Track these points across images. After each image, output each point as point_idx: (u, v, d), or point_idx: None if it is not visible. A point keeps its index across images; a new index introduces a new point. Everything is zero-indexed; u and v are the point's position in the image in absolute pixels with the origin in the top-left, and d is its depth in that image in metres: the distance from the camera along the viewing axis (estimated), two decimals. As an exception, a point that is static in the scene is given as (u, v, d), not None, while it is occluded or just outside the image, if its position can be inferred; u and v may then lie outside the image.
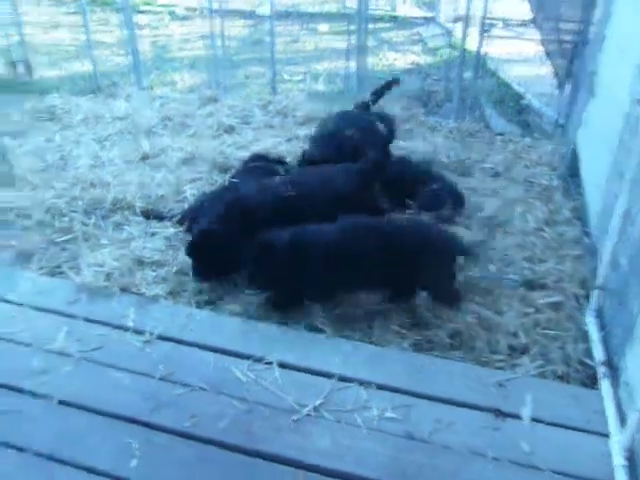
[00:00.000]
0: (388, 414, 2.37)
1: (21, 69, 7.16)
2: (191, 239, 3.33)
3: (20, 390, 2.47)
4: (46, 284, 3.22)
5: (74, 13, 11.28)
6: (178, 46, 9.44)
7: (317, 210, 3.18)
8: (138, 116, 5.61)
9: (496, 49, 5.86)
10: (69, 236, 3.67)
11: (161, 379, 2.56)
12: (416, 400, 2.45)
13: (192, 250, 3.25)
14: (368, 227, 3.01)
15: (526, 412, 2.38)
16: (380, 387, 2.50)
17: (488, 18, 5.33)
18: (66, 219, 3.82)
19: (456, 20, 8.60)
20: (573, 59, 4.91)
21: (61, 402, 2.42)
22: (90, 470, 2.13)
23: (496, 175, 4.53)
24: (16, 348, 2.71)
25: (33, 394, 2.44)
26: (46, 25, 10.69)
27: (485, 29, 5.19)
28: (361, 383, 2.51)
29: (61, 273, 3.37)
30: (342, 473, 2.15)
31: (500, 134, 5.31)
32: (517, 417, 2.38)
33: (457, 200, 3.93)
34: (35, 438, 2.24)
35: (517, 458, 2.22)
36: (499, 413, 2.40)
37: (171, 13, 12.10)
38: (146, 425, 2.34)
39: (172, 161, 4.63)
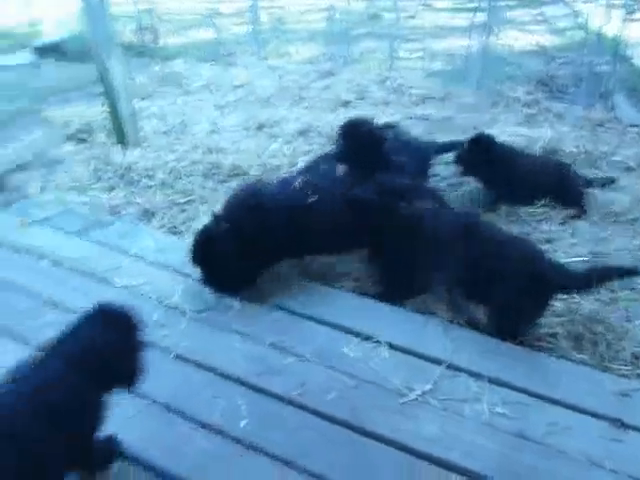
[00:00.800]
0: (499, 409, 2.27)
1: (148, 35, 7.50)
2: (194, 240, 2.91)
3: (142, 341, 2.59)
4: (166, 242, 3.37)
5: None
6: (294, 18, 9.51)
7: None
8: (256, 85, 5.72)
9: (630, 32, 5.40)
10: (188, 198, 3.82)
11: (271, 345, 2.60)
12: (530, 399, 2.33)
13: (195, 256, 2.90)
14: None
15: (652, 427, 2.22)
16: (492, 381, 2.39)
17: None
18: (186, 181, 3.97)
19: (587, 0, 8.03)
20: None
21: (177, 356, 2.53)
22: (204, 425, 2.20)
23: (628, 170, 4.20)
24: (139, 300, 2.85)
25: (153, 345, 2.56)
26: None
27: (629, 11, 4.79)
28: (472, 374, 2.43)
29: (179, 233, 3.52)
30: (449, 463, 2.08)
31: (634, 125, 4.91)
32: (640, 431, 2.22)
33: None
34: (154, 387, 2.32)
35: (638, 474, 2.07)
36: (621, 424, 2.24)
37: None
38: (254, 388, 2.39)
39: (288, 132, 4.68)
